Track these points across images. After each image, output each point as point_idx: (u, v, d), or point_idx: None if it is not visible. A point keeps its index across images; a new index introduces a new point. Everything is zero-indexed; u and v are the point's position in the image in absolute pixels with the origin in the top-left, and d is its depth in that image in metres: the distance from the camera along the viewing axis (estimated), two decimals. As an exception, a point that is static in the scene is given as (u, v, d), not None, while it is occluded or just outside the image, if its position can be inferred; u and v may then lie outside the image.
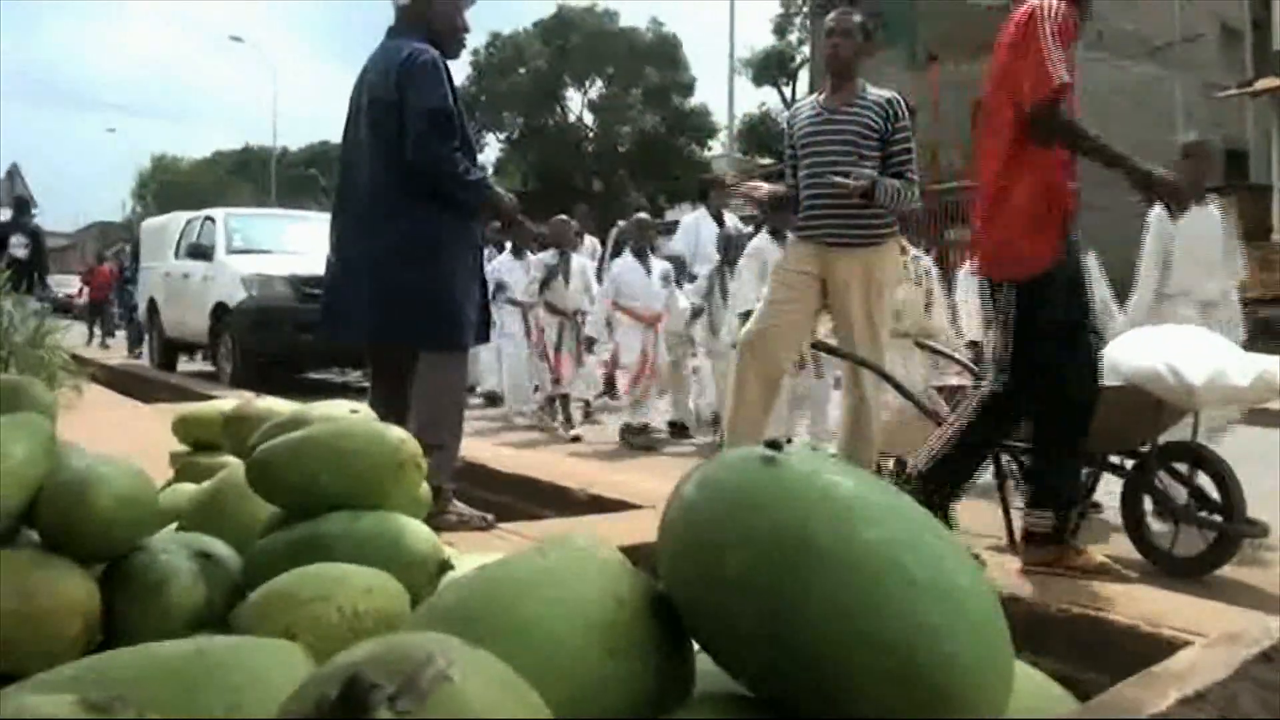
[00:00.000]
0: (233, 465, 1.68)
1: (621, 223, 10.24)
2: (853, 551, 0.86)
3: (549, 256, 9.13)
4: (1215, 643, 1.29)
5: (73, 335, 15.12)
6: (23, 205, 13.87)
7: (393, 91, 3.68)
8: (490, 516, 3.50)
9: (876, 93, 4.79)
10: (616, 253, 10.02)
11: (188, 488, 1.86)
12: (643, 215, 9.28)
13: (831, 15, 5.04)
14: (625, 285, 8.48)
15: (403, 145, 3.66)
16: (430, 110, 3.64)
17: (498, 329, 8.44)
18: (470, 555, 1.50)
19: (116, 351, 17.65)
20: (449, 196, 3.74)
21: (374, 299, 3.72)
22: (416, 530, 1.37)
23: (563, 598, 0.89)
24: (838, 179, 4.58)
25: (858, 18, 4.96)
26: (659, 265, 8.61)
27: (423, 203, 3.70)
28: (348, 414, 1.66)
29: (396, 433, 1.48)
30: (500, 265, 9.56)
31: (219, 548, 1.37)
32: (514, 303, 9.35)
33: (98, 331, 21.39)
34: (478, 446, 5.44)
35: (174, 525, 1.66)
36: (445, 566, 1.35)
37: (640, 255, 8.60)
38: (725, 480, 0.96)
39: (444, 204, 3.74)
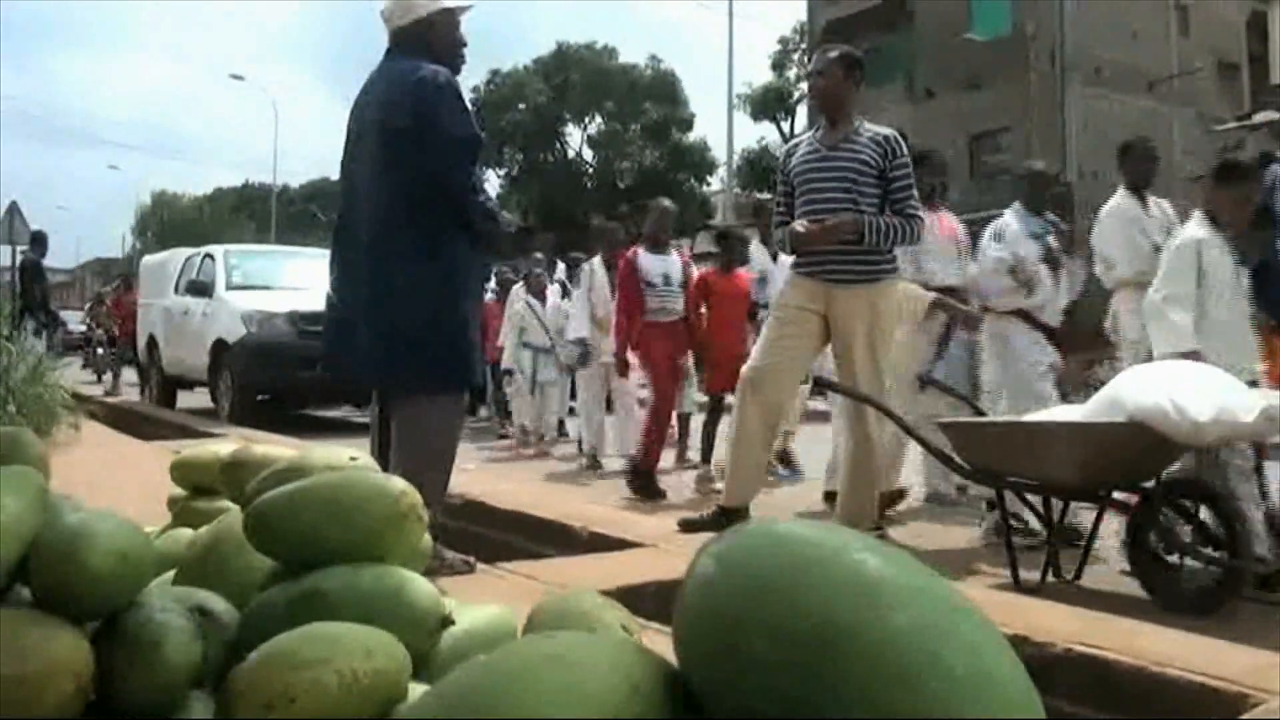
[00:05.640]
0: (230, 513, 1.65)
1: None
2: (882, 637, 0.82)
3: None
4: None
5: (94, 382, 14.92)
6: (41, 240, 13.99)
7: (408, 117, 3.50)
8: (472, 559, 3.41)
9: (874, 129, 4.80)
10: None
11: (185, 533, 1.83)
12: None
13: (812, 59, 5.06)
14: None
15: (419, 174, 3.50)
16: (463, 138, 3.51)
17: None
18: (471, 608, 1.47)
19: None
20: (468, 227, 3.58)
21: (384, 339, 3.55)
22: (417, 585, 1.34)
23: (573, 684, 0.86)
24: (807, 227, 4.59)
25: (833, 54, 4.95)
26: None
27: (434, 235, 3.53)
28: (347, 462, 1.64)
29: (397, 483, 1.45)
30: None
31: (216, 603, 1.34)
32: None
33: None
34: (479, 482, 5.40)
35: (171, 573, 1.63)
36: (446, 622, 1.33)
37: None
38: (745, 557, 0.92)
39: (457, 237, 3.58)
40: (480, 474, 6.69)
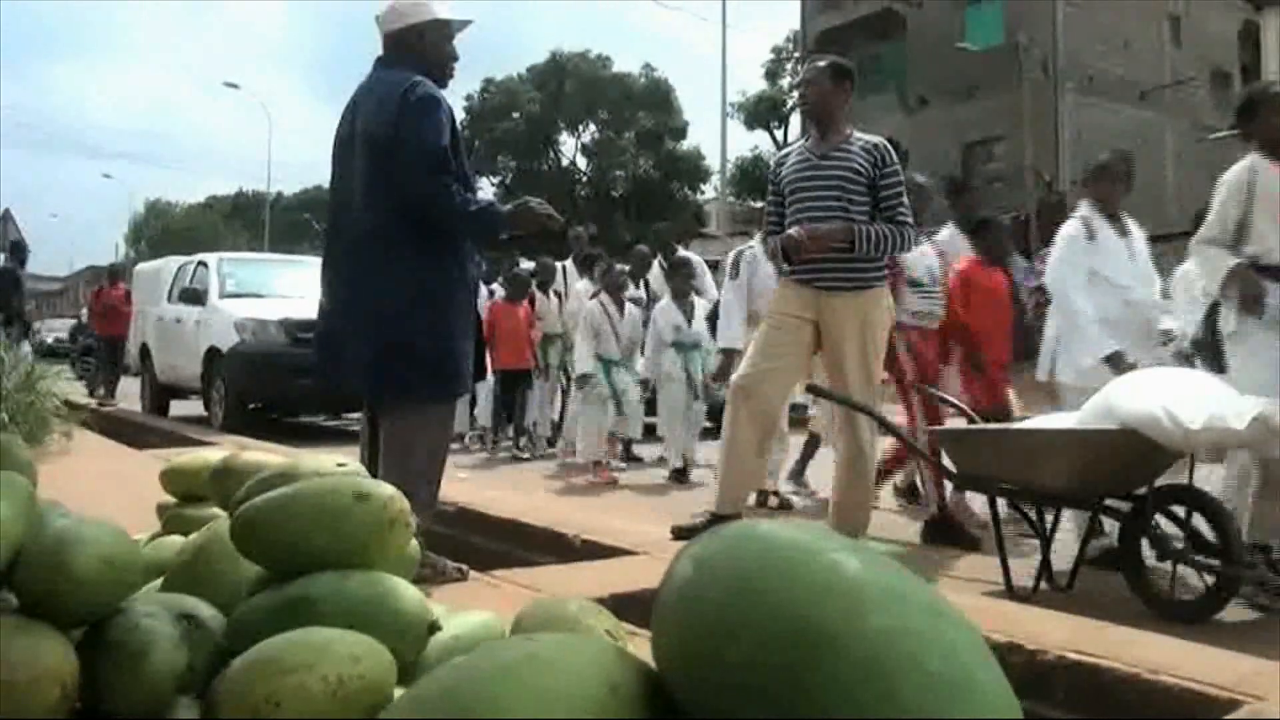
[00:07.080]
0: (219, 520, 1.65)
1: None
2: (861, 639, 0.82)
3: None
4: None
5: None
6: (21, 250, 13.97)
7: (391, 126, 3.49)
8: (464, 567, 3.40)
9: (865, 138, 4.80)
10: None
11: (175, 540, 1.82)
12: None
13: (804, 68, 5.04)
14: None
15: (400, 183, 3.49)
16: (425, 147, 3.47)
17: None
18: (459, 615, 1.47)
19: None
20: (451, 233, 3.58)
21: (372, 350, 3.54)
22: (405, 591, 1.34)
23: (550, 685, 0.85)
24: (799, 234, 4.58)
25: (823, 63, 4.95)
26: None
27: (422, 245, 3.52)
28: (335, 469, 1.63)
29: (385, 490, 1.45)
30: None
31: (203, 610, 1.34)
32: None
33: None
34: (471, 491, 5.38)
35: (159, 580, 1.62)
36: (433, 628, 1.32)
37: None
38: (724, 560, 0.91)
39: (443, 246, 3.57)
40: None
